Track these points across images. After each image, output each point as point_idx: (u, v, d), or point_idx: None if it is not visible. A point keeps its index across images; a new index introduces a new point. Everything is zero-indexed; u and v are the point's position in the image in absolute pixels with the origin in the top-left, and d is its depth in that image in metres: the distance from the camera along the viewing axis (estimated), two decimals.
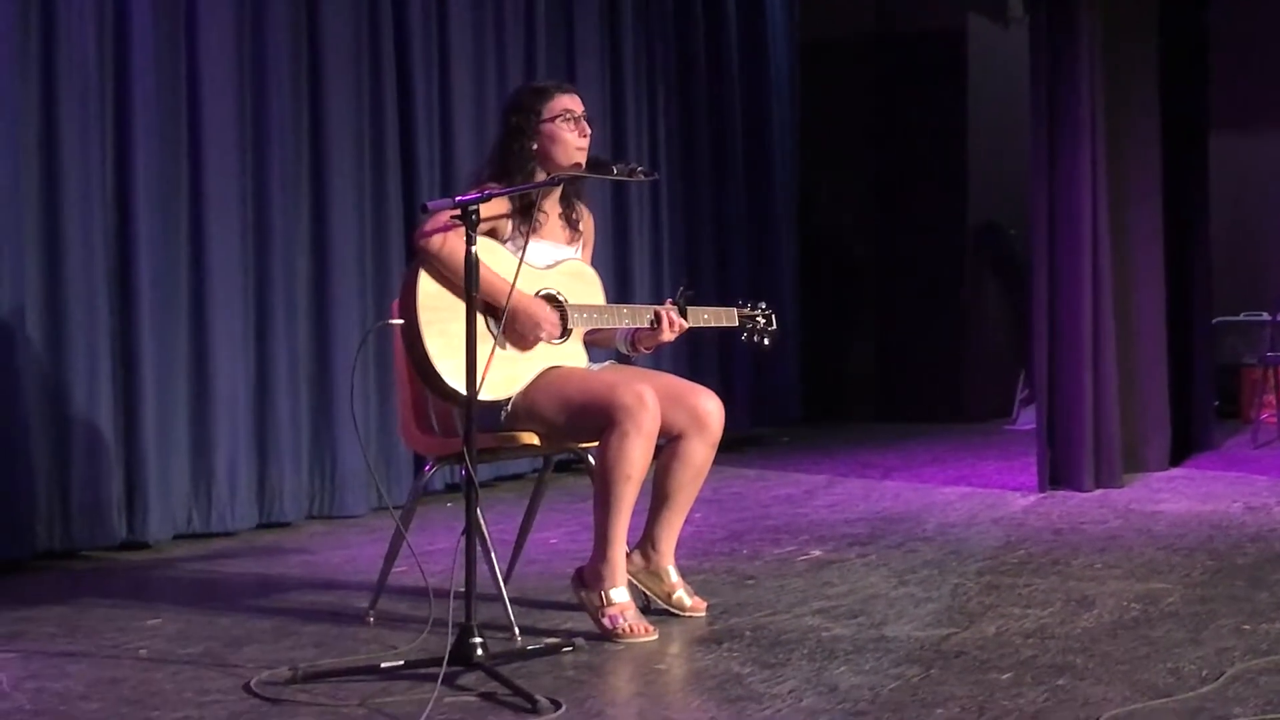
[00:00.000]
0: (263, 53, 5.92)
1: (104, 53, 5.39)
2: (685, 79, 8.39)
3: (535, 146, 4.13)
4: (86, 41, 5.30)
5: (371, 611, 4.21)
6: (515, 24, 7.15)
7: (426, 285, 3.96)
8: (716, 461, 4.19)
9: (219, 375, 5.73)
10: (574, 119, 4.15)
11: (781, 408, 9.17)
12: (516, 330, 4.02)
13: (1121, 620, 4.09)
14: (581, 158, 4.15)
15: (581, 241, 4.33)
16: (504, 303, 3.90)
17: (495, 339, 3.94)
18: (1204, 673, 3.52)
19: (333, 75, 6.18)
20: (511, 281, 3.82)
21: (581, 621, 4.05)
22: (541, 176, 4.12)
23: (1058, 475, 6.58)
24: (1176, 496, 6.34)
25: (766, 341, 4.40)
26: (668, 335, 4.17)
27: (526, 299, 4.01)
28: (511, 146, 4.14)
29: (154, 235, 5.52)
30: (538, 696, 3.32)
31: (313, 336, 6.13)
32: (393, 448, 6.33)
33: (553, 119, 4.13)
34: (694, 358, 8.22)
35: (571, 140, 4.14)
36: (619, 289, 7.44)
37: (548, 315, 4.04)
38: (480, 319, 3.79)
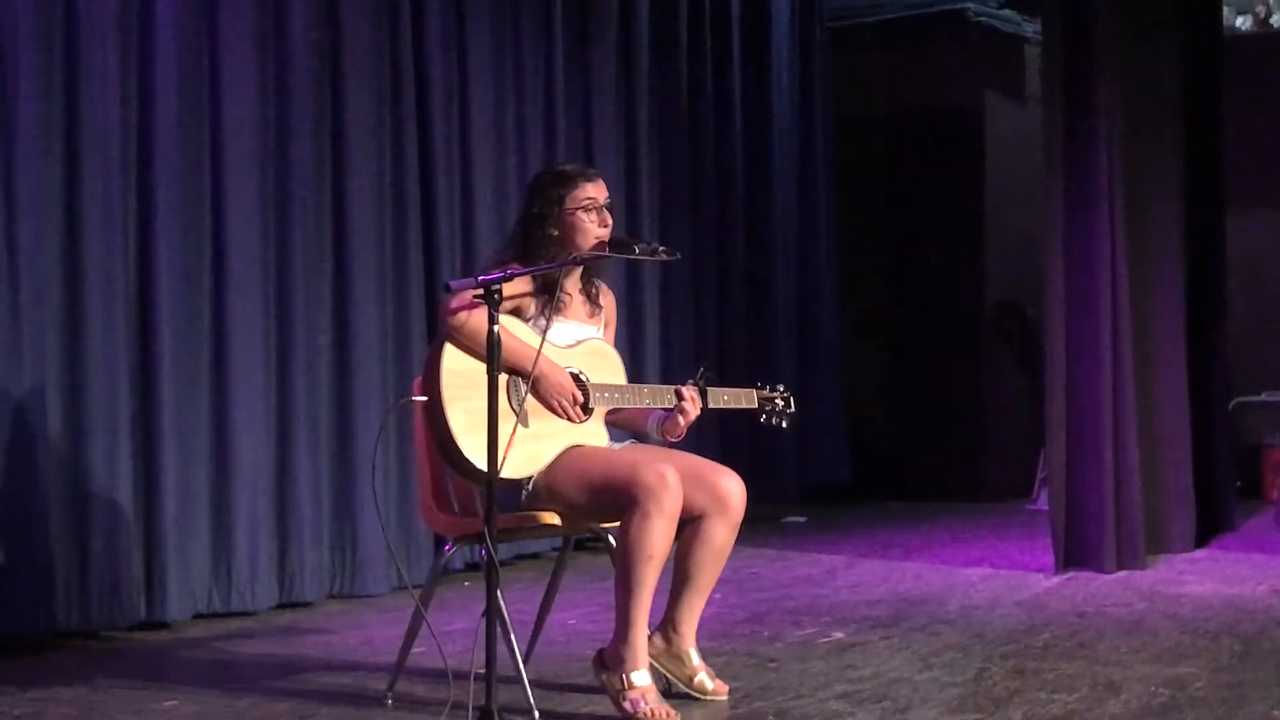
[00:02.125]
0: (285, 132, 5.95)
1: (127, 131, 5.42)
2: (696, 153, 8.37)
3: (557, 233, 4.16)
4: (110, 120, 5.33)
5: (390, 693, 4.18)
6: (535, 99, 7.17)
7: (451, 362, 3.97)
8: (737, 541, 4.16)
9: (239, 454, 5.72)
10: (596, 209, 4.18)
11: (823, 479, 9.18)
12: (541, 394, 4.02)
13: (1150, 705, 4.04)
14: (602, 245, 4.17)
15: (603, 320, 4.34)
16: (529, 367, 3.90)
17: (518, 416, 3.93)
18: None
19: (355, 154, 6.20)
20: (538, 348, 3.83)
21: (602, 704, 4.01)
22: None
23: (1080, 556, 6.50)
24: (1201, 578, 6.27)
25: (785, 425, 4.39)
26: (693, 410, 4.15)
27: (554, 367, 4.04)
28: (534, 232, 4.18)
29: (175, 313, 5.53)
30: None
31: (334, 415, 6.12)
32: (414, 526, 6.29)
33: (575, 209, 4.16)
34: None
35: (592, 229, 4.17)
36: (632, 368, 7.40)
37: (570, 387, 4.05)
38: (502, 396, 3.80)
